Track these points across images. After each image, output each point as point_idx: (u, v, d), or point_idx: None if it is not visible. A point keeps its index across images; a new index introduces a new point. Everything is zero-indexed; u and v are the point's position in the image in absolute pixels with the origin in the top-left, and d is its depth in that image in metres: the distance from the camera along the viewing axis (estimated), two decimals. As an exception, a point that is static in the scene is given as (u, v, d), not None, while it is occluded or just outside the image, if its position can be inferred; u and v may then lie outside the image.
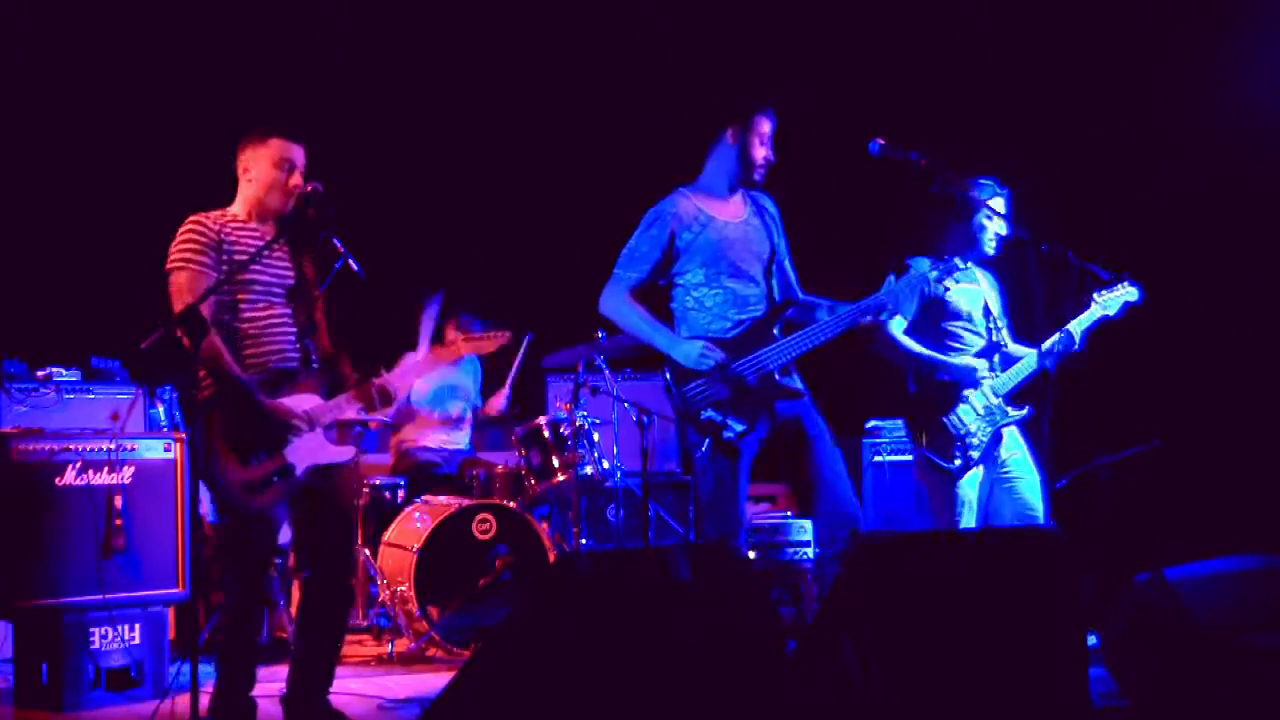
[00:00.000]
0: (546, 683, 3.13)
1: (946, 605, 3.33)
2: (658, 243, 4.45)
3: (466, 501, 5.70)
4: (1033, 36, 6.75)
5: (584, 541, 5.89)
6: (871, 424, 6.18)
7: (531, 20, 7.48)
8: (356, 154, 6.90)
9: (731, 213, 4.49)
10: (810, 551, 6.23)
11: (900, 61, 6.94)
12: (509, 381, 6.72)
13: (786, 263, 4.58)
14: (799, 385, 4.43)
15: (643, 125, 7.51)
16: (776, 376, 4.35)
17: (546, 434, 5.93)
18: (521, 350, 6.46)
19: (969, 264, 4.66)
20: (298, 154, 4.12)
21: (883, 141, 4.35)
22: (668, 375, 4.38)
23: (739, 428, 4.30)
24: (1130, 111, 6.69)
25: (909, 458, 5.96)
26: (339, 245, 4.20)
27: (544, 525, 5.71)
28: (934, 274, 4.37)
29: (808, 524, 6.18)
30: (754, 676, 3.35)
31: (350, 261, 4.21)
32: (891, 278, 4.37)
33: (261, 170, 4.09)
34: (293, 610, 5.62)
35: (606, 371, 6.21)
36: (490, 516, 5.62)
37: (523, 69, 7.54)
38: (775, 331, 4.39)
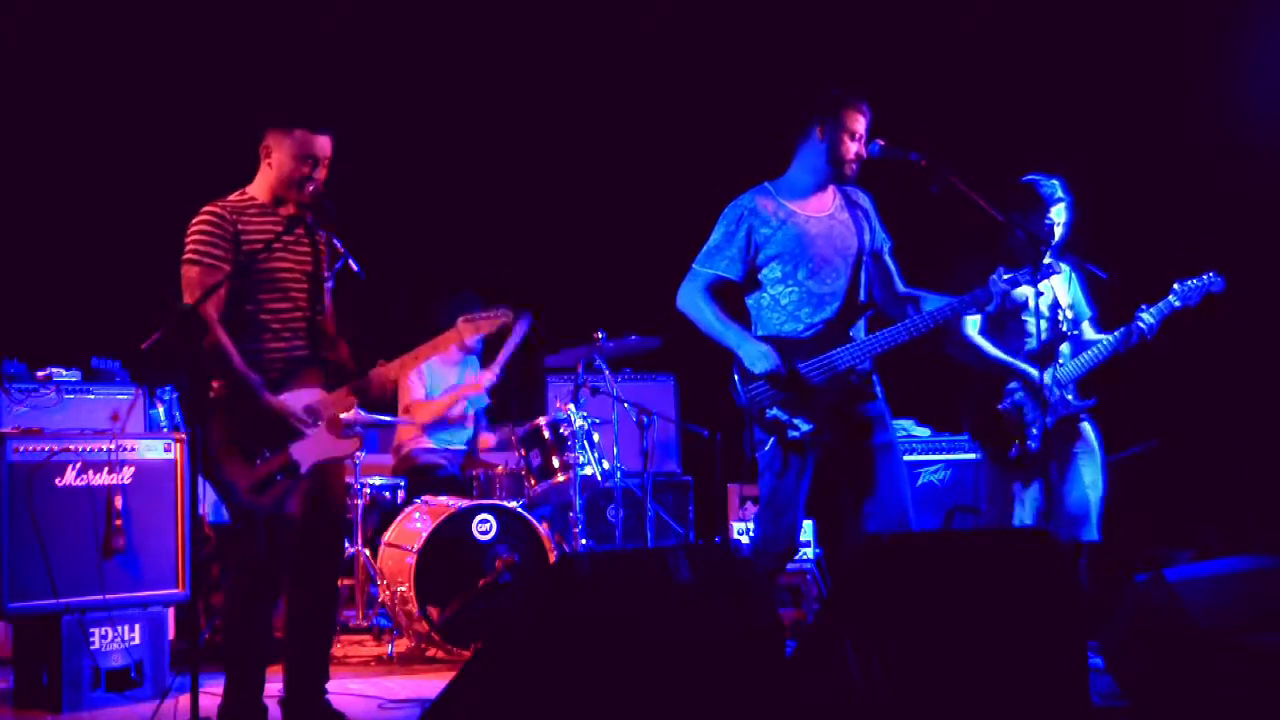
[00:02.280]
0: (546, 683, 3.13)
1: (947, 605, 3.33)
2: (734, 239, 4.32)
3: (466, 502, 5.70)
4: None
5: (584, 541, 5.88)
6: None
7: (537, 20, 7.48)
8: (359, 152, 6.89)
9: (815, 208, 4.35)
10: (810, 552, 6.24)
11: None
12: (500, 361, 6.55)
13: (886, 258, 4.44)
14: (875, 389, 4.33)
15: (644, 128, 7.52)
16: (850, 378, 4.25)
17: (546, 434, 5.93)
18: (517, 330, 6.37)
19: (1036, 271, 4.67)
20: (322, 146, 4.02)
21: (883, 142, 4.34)
22: (735, 373, 4.27)
23: (805, 427, 4.19)
24: (1133, 112, 6.71)
25: (909, 457, 5.96)
26: (339, 245, 4.19)
27: (544, 525, 5.71)
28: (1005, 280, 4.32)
29: (808, 524, 6.19)
30: (754, 677, 3.35)
31: (350, 262, 4.21)
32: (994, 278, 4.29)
33: (281, 159, 4.01)
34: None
35: (606, 371, 6.21)
36: (490, 517, 5.62)
37: (530, 67, 7.54)
38: (852, 332, 4.29)
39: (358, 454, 5.97)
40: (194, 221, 3.97)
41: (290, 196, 4.02)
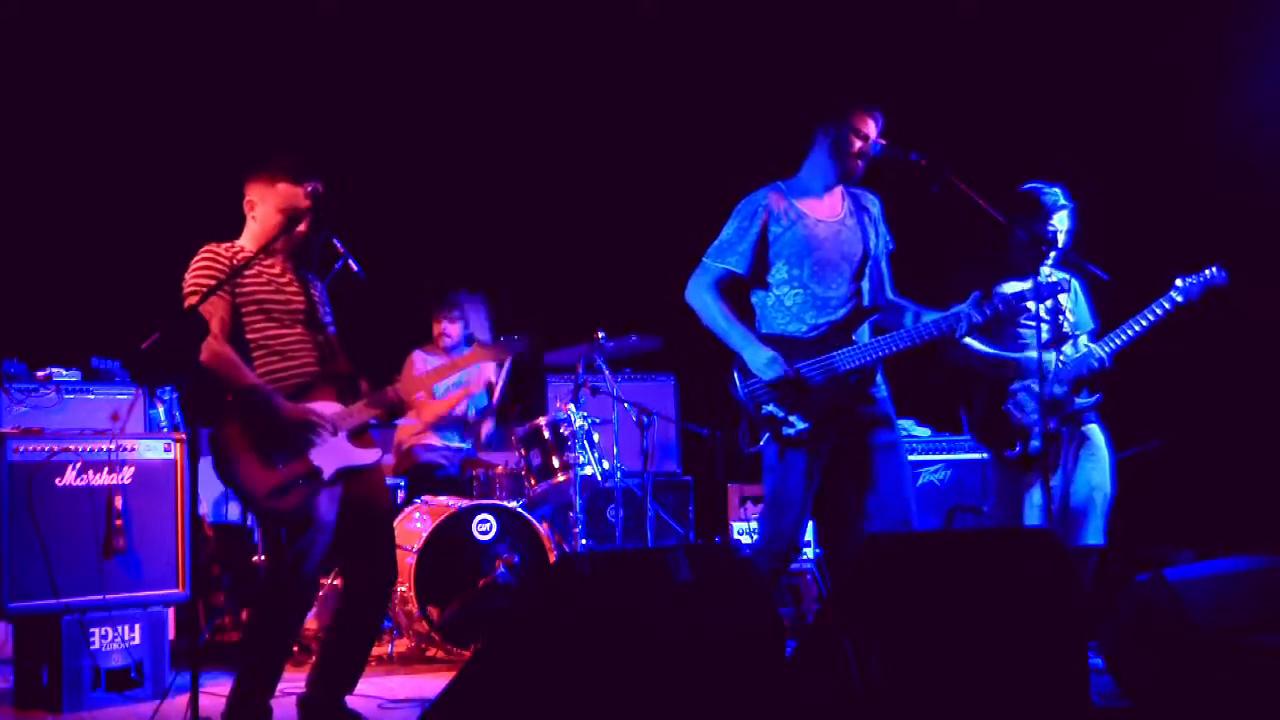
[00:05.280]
0: (546, 683, 3.13)
1: (947, 605, 3.33)
2: (747, 234, 4.34)
3: (465, 502, 5.70)
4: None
5: (584, 541, 5.88)
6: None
7: (539, 17, 7.48)
8: (360, 152, 6.90)
9: (825, 211, 4.38)
10: (810, 552, 6.24)
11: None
12: (492, 406, 6.65)
13: (882, 263, 4.48)
14: (879, 391, 4.34)
15: (642, 127, 7.52)
16: (851, 380, 4.25)
17: (546, 434, 5.92)
18: (504, 369, 6.45)
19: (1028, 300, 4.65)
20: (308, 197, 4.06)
21: (884, 142, 4.34)
22: (735, 369, 4.30)
23: (800, 425, 4.20)
24: (1136, 114, 6.71)
25: (909, 457, 5.96)
26: (339, 245, 4.20)
27: (544, 525, 5.71)
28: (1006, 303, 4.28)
29: (808, 524, 6.19)
30: (754, 677, 3.35)
31: (350, 261, 4.21)
32: (978, 295, 4.27)
33: (266, 213, 4.05)
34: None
35: (606, 371, 6.21)
36: (490, 517, 5.62)
37: (531, 65, 7.54)
38: (855, 335, 4.30)
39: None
40: (194, 261, 4.00)
41: (280, 247, 4.07)
